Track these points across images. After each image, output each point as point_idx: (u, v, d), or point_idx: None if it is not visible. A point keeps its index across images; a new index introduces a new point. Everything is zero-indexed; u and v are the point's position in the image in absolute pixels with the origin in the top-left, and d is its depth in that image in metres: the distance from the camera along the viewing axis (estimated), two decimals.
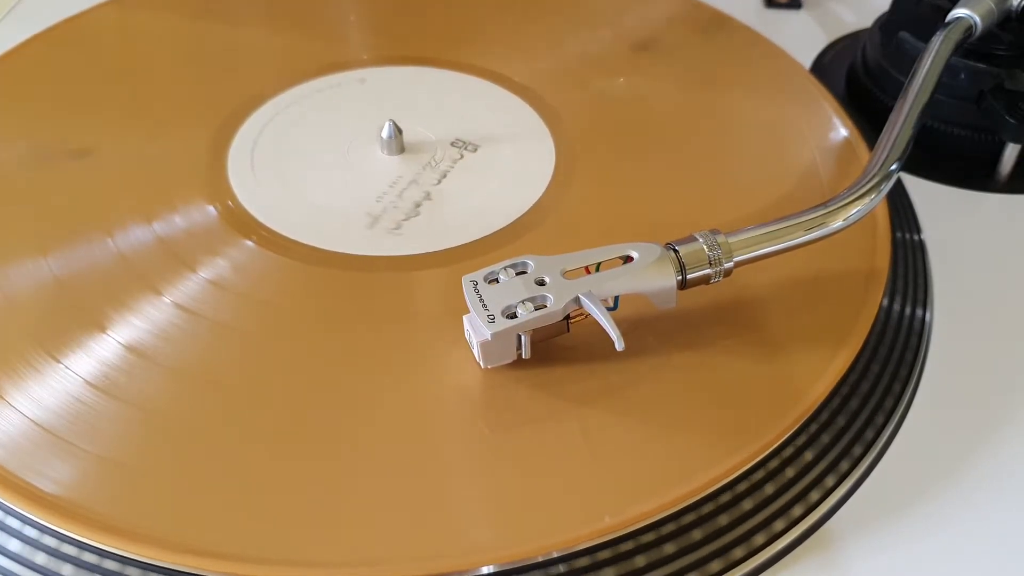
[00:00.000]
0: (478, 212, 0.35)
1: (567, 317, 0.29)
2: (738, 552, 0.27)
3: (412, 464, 0.27)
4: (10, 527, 0.27)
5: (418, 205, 0.35)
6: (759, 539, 0.28)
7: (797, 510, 0.28)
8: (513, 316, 0.28)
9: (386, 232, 0.34)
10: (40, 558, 0.27)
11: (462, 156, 0.38)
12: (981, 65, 0.40)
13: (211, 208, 0.35)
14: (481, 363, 0.29)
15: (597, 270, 0.29)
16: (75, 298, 0.32)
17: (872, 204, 0.31)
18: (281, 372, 0.30)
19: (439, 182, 0.36)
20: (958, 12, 0.38)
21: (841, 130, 0.39)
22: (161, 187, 0.36)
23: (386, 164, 0.37)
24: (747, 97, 0.42)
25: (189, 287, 0.32)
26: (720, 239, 0.29)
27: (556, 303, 0.28)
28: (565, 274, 0.29)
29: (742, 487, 0.28)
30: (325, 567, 0.25)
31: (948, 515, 0.29)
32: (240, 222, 0.35)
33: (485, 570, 0.25)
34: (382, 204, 0.35)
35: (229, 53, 0.44)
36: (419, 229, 0.34)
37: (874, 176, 0.31)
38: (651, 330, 0.30)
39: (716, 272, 0.29)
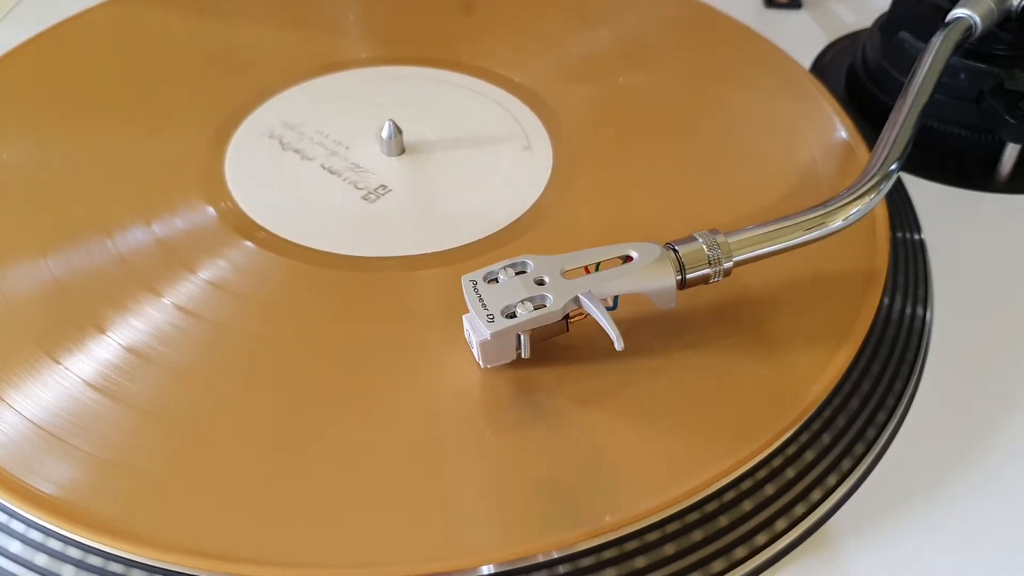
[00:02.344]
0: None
1: (566, 317, 0.29)
2: (738, 552, 0.27)
3: (411, 464, 0.27)
4: (10, 528, 0.27)
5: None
6: (759, 539, 0.28)
7: (797, 510, 0.28)
8: (512, 316, 0.28)
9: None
10: (40, 559, 0.27)
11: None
12: (981, 65, 0.40)
13: (210, 209, 0.35)
14: (480, 363, 0.29)
15: (596, 270, 0.29)
16: (75, 299, 0.32)
17: (872, 204, 0.31)
18: (280, 372, 0.30)
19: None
20: (958, 12, 0.38)
21: (841, 130, 0.39)
22: (160, 188, 0.36)
23: (386, 164, 0.37)
24: (747, 97, 0.42)
25: (188, 288, 0.32)
26: (720, 239, 0.29)
27: (555, 303, 0.28)
28: (564, 274, 0.29)
29: (742, 487, 0.28)
30: (325, 567, 0.25)
31: (948, 515, 0.29)
32: (239, 223, 0.35)
33: (485, 570, 0.25)
34: None
35: (228, 53, 0.44)
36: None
37: (874, 176, 0.31)
38: (651, 330, 0.30)
39: (716, 272, 0.29)
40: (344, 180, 0.37)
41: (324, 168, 0.37)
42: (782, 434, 0.28)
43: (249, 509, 0.26)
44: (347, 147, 0.38)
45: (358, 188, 0.36)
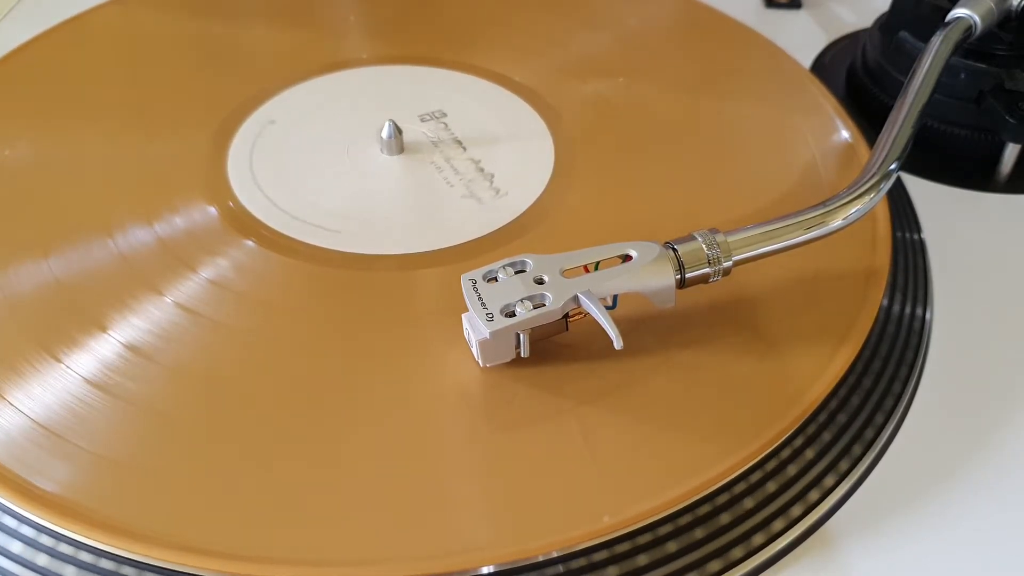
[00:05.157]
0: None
1: (566, 316, 0.29)
2: (738, 552, 0.27)
3: (411, 463, 0.27)
4: (9, 527, 0.27)
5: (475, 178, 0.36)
6: (759, 539, 0.28)
7: (797, 510, 0.28)
8: (512, 315, 0.28)
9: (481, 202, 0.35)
10: (41, 559, 0.27)
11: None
12: (981, 65, 0.40)
13: (211, 208, 0.35)
14: (480, 362, 0.29)
15: (596, 269, 0.29)
16: (76, 298, 0.32)
17: (872, 203, 0.31)
18: (281, 372, 0.30)
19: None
20: (958, 12, 0.38)
21: (841, 130, 0.39)
22: (161, 187, 0.36)
23: (386, 164, 0.38)
24: (747, 97, 0.42)
25: (189, 287, 0.32)
26: (719, 238, 0.29)
27: (555, 302, 0.28)
28: (564, 273, 0.29)
29: (742, 487, 0.28)
30: (325, 567, 0.25)
31: (948, 515, 0.29)
32: (240, 222, 0.35)
33: (485, 570, 0.25)
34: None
35: (229, 53, 0.44)
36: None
37: (874, 175, 0.31)
38: (650, 329, 0.30)
39: (715, 271, 0.29)
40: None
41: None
42: (782, 434, 0.28)
43: (248, 507, 0.26)
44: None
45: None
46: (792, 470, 0.29)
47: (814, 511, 0.29)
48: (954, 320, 0.34)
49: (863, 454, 0.30)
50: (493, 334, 0.28)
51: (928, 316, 0.34)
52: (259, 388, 0.29)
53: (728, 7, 0.47)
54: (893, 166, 0.32)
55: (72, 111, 0.40)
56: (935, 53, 0.36)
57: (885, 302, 0.33)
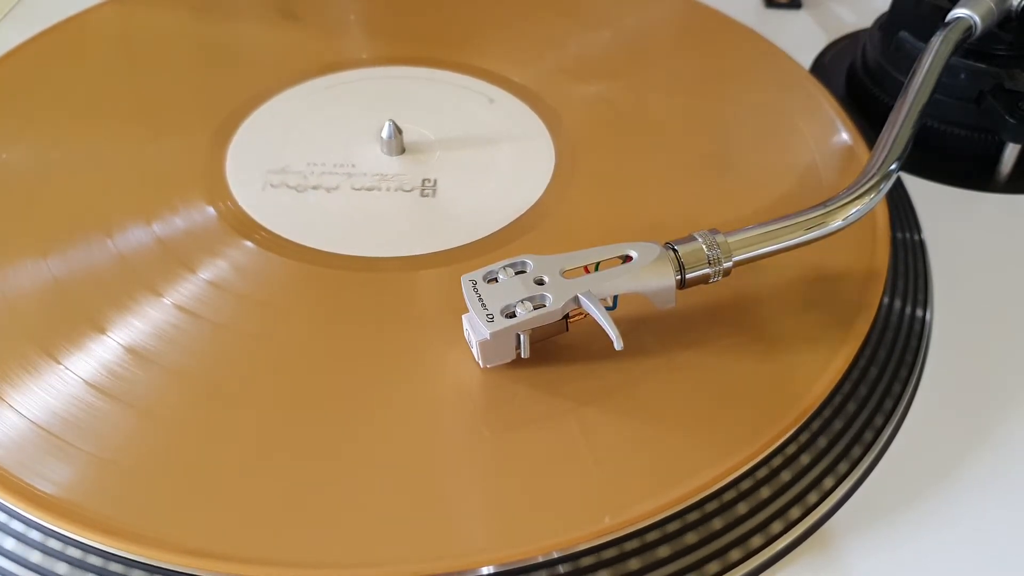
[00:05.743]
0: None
1: (566, 316, 0.29)
2: (738, 552, 0.27)
3: (411, 464, 0.27)
4: (10, 527, 0.27)
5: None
6: (759, 539, 0.28)
7: (797, 510, 0.28)
8: (512, 315, 0.28)
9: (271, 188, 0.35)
10: (38, 558, 0.27)
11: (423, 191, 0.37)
12: (981, 65, 0.40)
13: (210, 209, 0.35)
14: (480, 363, 0.29)
15: (596, 270, 0.29)
16: (75, 299, 0.32)
17: (871, 204, 0.31)
18: (280, 373, 0.30)
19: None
20: (958, 12, 0.38)
21: (841, 130, 0.39)
22: (160, 188, 0.36)
23: (386, 164, 0.37)
24: (747, 97, 0.42)
25: (188, 288, 0.32)
26: (719, 238, 0.29)
27: (555, 302, 0.28)
28: (564, 273, 0.29)
29: (742, 487, 0.28)
30: (325, 567, 0.25)
31: (948, 515, 0.29)
32: (239, 223, 0.35)
33: (485, 570, 0.25)
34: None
35: (229, 53, 0.44)
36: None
37: (873, 176, 0.31)
38: (650, 330, 0.30)
39: (715, 272, 0.29)
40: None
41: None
42: (782, 434, 0.28)
43: (249, 509, 0.26)
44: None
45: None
46: (792, 471, 0.29)
47: (814, 511, 0.29)
48: (954, 320, 0.34)
49: (863, 454, 0.30)
50: (493, 335, 0.28)
51: (928, 316, 0.34)
52: (258, 389, 0.29)
53: (728, 7, 0.47)
54: (893, 166, 0.32)
55: (71, 111, 0.40)
56: (935, 53, 0.36)
57: (885, 302, 0.33)
